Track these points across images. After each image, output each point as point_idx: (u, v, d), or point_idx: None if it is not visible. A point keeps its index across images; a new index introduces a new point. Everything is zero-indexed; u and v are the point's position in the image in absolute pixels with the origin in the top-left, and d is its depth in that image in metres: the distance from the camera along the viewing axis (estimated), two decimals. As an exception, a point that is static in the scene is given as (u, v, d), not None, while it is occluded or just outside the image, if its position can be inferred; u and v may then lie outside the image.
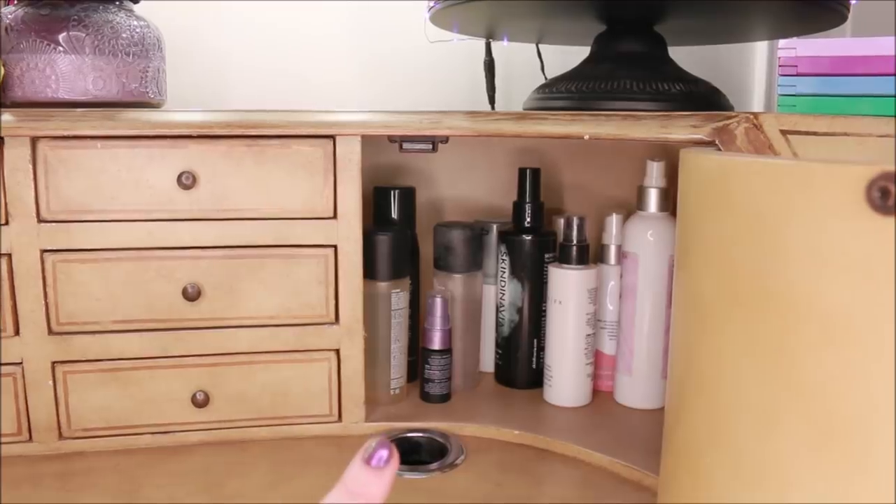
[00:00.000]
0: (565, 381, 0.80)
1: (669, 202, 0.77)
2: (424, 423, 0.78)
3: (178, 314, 0.72)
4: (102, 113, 0.68)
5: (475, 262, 0.83)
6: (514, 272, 0.83)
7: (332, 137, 0.72)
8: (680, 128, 0.61)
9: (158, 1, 0.90)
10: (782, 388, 0.35)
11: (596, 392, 0.84)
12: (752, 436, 0.38)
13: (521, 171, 0.82)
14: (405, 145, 0.72)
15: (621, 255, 0.80)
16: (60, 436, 0.72)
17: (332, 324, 0.75)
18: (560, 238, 0.81)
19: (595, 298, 0.79)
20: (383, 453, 0.40)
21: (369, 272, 0.76)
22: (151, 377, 0.73)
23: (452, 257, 0.82)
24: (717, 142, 0.57)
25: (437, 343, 0.80)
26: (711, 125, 0.58)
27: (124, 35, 0.74)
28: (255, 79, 1.06)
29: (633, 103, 0.73)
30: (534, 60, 1.02)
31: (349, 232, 0.74)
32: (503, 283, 0.83)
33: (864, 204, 0.31)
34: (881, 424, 0.31)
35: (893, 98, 0.69)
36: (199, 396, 0.73)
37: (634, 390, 0.81)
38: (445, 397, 0.82)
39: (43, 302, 0.70)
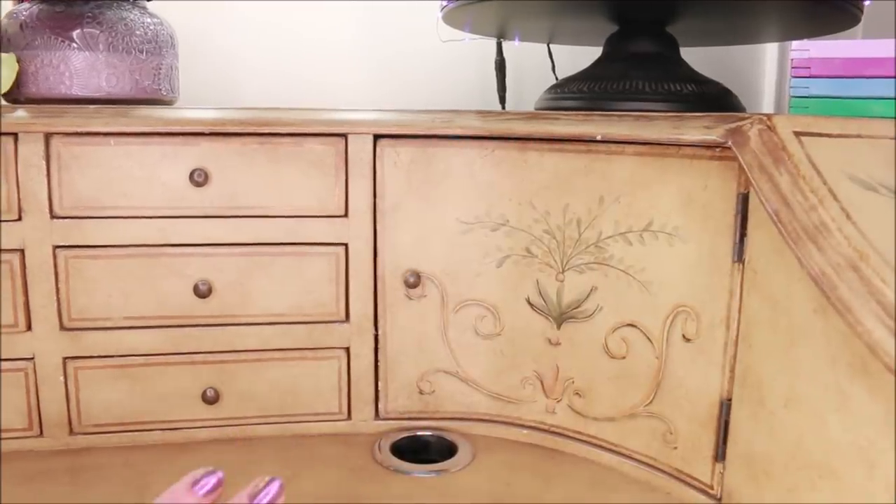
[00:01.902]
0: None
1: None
2: (434, 423, 0.78)
3: (190, 311, 0.73)
4: (115, 110, 0.69)
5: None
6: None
7: (345, 136, 0.72)
8: (692, 129, 0.61)
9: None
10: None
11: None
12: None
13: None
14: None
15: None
16: (71, 431, 0.72)
17: (342, 322, 0.75)
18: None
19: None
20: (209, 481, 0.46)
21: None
22: (162, 374, 0.73)
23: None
24: (729, 143, 0.57)
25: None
26: (724, 126, 0.58)
27: (138, 32, 0.74)
28: (268, 78, 1.06)
29: (645, 104, 0.73)
30: (545, 61, 1.02)
31: (360, 230, 0.74)
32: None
33: None
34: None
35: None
36: (210, 393, 0.74)
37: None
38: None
39: (55, 297, 0.70)
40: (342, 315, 0.75)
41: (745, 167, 0.55)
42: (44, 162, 0.68)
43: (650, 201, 0.66)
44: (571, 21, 0.86)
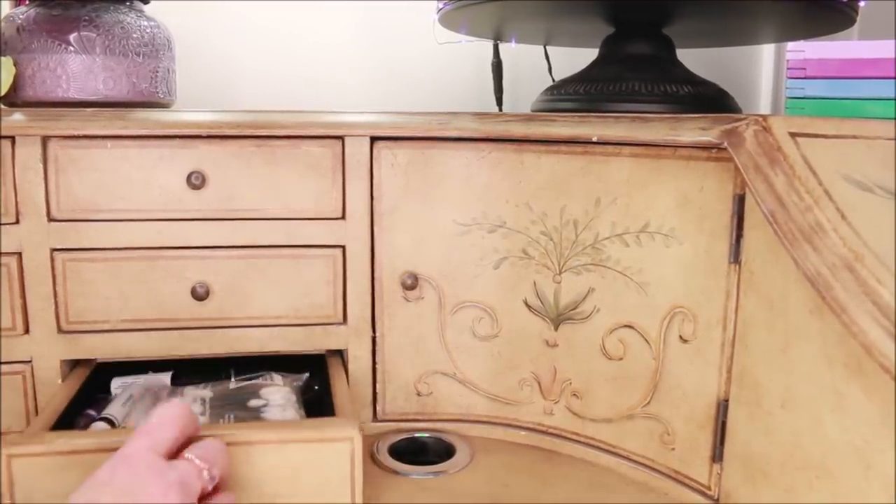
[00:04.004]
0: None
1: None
2: (431, 424, 0.78)
3: (187, 314, 0.73)
4: (113, 113, 0.69)
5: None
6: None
7: (341, 138, 0.72)
8: (688, 130, 0.61)
9: (169, 1, 0.91)
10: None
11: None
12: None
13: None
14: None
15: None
16: (69, 434, 0.72)
17: (340, 324, 0.76)
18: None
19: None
20: None
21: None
22: (160, 376, 0.73)
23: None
24: (725, 144, 0.57)
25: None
26: (720, 127, 0.58)
27: (135, 35, 0.74)
28: (265, 80, 1.06)
29: (641, 105, 0.73)
30: (541, 62, 1.02)
31: (357, 232, 0.74)
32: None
33: None
34: None
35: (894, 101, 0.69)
36: (207, 395, 0.74)
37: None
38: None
39: (53, 300, 0.70)
40: (340, 317, 0.76)
41: (740, 168, 0.55)
42: (41, 165, 0.68)
43: (647, 203, 0.67)
44: (568, 23, 0.86)
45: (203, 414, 0.67)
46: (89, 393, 0.70)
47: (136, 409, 0.68)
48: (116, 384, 0.73)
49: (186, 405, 0.52)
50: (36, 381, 0.71)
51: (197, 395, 0.71)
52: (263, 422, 0.66)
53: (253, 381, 0.74)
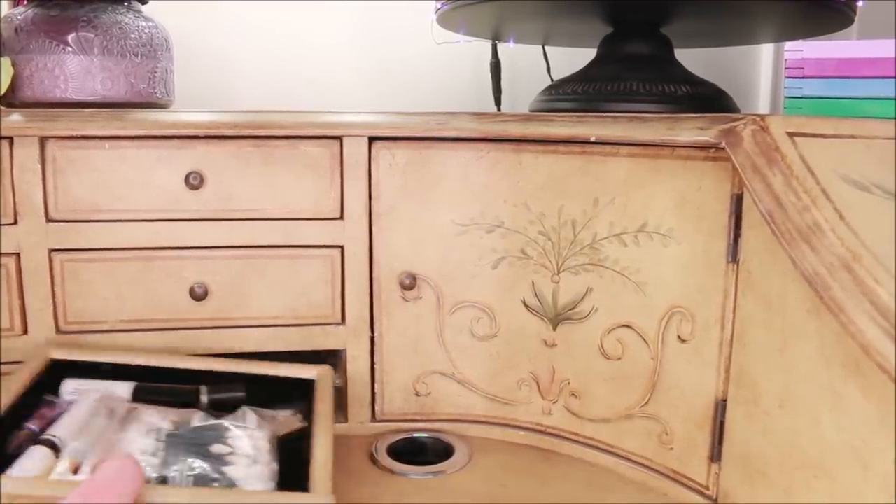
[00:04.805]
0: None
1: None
2: (430, 424, 0.78)
3: (185, 314, 0.73)
4: (111, 113, 0.69)
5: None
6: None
7: (339, 138, 0.72)
8: (686, 130, 0.61)
9: (167, 2, 0.90)
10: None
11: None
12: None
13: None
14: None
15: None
16: (67, 434, 0.72)
17: (338, 324, 0.75)
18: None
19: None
20: None
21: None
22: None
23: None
24: (723, 144, 0.57)
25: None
26: (718, 127, 0.58)
27: (133, 36, 0.74)
28: (263, 80, 1.06)
29: (639, 105, 0.73)
30: (540, 62, 1.02)
31: (355, 232, 0.74)
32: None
33: None
34: None
35: (894, 100, 0.69)
36: (206, 396, 0.74)
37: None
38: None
39: (51, 301, 0.70)
40: (338, 317, 0.76)
41: (738, 168, 0.55)
42: (39, 165, 0.68)
43: (644, 202, 0.66)
44: (566, 23, 0.86)
45: (155, 455, 0.57)
46: (38, 393, 0.63)
47: (88, 430, 0.58)
48: (69, 387, 0.65)
49: (137, 466, 0.47)
50: (34, 382, 0.71)
51: (154, 426, 0.61)
52: (214, 490, 0.55)
53: (221, 421, 0.63)
